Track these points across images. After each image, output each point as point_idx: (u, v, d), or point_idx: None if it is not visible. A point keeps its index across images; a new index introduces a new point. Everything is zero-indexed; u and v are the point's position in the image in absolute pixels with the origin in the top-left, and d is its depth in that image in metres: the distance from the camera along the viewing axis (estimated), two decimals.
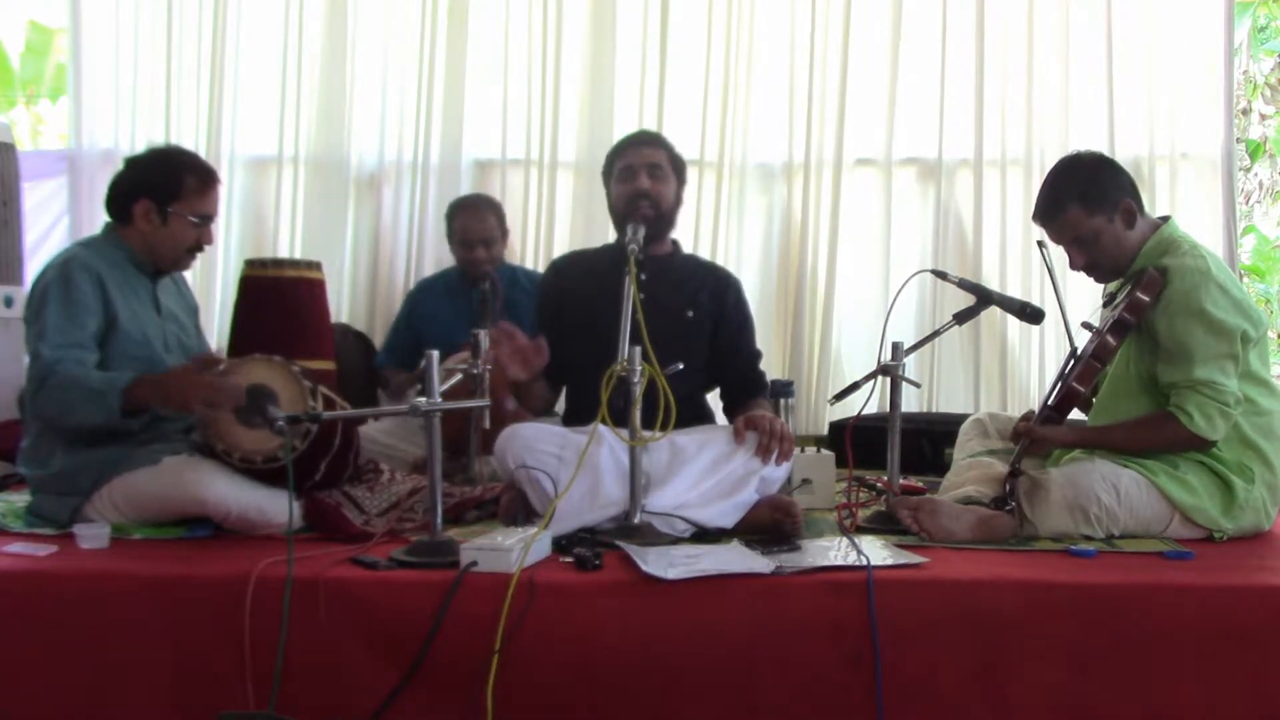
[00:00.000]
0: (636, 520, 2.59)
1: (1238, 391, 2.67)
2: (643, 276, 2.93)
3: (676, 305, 3.10)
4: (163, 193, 2.82)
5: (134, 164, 2.93)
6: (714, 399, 3.31)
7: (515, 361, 2.88)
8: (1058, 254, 2.94)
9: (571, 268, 3.29)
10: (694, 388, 3.13)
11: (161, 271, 2.94)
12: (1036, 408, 2.93)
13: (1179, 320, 2.69)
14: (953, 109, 4.45)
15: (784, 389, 3.38)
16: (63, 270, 2.72)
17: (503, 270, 3.99)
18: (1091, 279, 2.96)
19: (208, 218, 2.89)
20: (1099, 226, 2.79)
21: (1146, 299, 2.72)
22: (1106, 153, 4.16)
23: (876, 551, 2.44)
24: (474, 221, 3.93)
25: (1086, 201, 2.78)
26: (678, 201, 3.19)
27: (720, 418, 3.28)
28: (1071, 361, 2.85)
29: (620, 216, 3.10)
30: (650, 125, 4.33)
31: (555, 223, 4.51)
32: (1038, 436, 2.75)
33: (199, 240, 2.89)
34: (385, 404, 4.28)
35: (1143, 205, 2.86)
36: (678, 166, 3.18)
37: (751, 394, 3.18)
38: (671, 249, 3.24)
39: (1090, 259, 2.84)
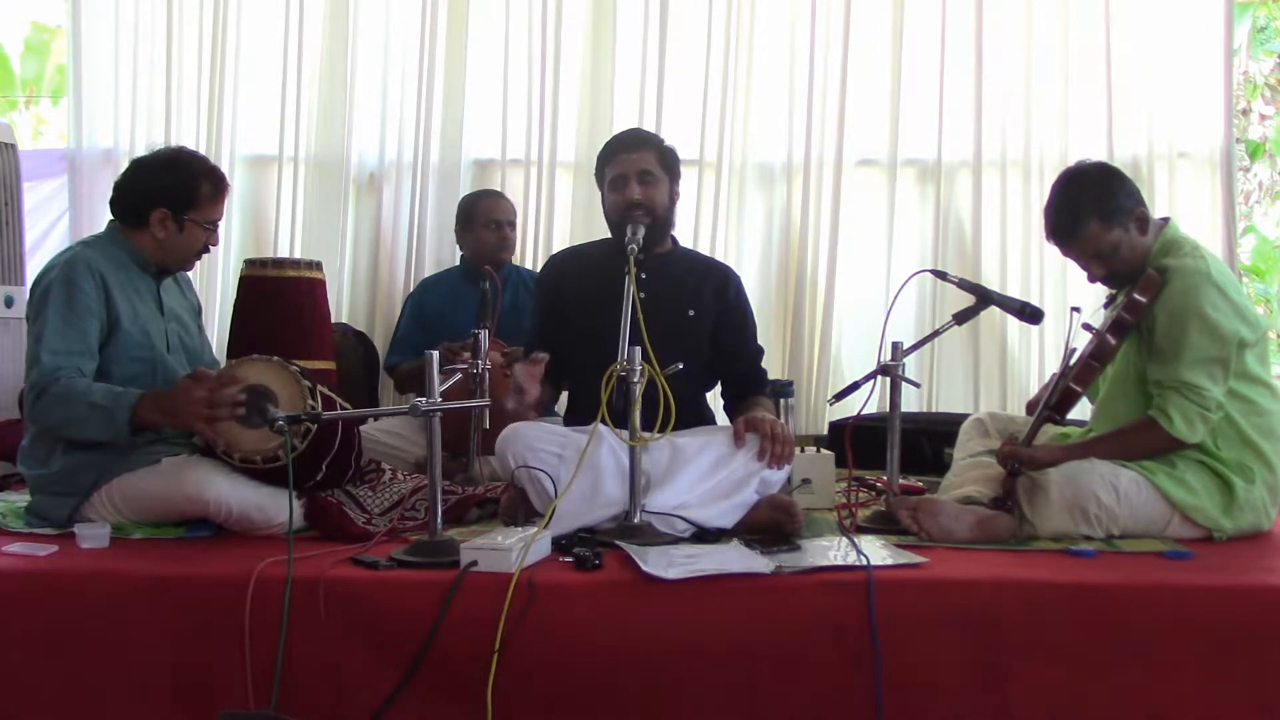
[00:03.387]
0: (636, 520, 2.59)
1: (1220, 397, 2.68)
2: (642, 275, 2.92)
3: (678, 303, 3.07)
4: (179, 202, 2.81)
5: (146, 170, 2.89)
6: (714, 399, 3.30)
7: (511, 394, 2.81)
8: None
9: (571, 263, 3.25)
10: (695, 388, 3.12)
11: (166, 272, 2.94)
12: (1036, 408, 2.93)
13: (1176, 319, 2.69)
14: (952, 110, 4.44)
15: (784, 389, 3.37)
16: (65, 271, 2.71)
17: (505, 270, 4.01)
18: (1108, 288, 2.95)
19: (218, 222, 2.91)
20: (1117, 239, 2.79)
21: (1145, 299, 2.73)
22: (1105, 153, 4.20)
23: (876, 551, 2.44)
24: (500, 202, 4.14)
25: (1104, 216, 2.77)
26: (673, 200, 3.11)
27: (720, 418, 3.27)
28: (1069, 362, 2.85)
29: (615, 224, 3.06)
30: (650, 125, 4.32)
31: (555, 223, 4.51)
32: (1024, 458, 2.73)
33: (207, 243, 2.91)
34: (395, 403, 4.29)
35: (1147, 208, 2.87)
36: (668, 164, 3.08)
37: (753, 391, 3.16)
38: (671, 245, 3.20)
39: (1109, 269, 2.84)
